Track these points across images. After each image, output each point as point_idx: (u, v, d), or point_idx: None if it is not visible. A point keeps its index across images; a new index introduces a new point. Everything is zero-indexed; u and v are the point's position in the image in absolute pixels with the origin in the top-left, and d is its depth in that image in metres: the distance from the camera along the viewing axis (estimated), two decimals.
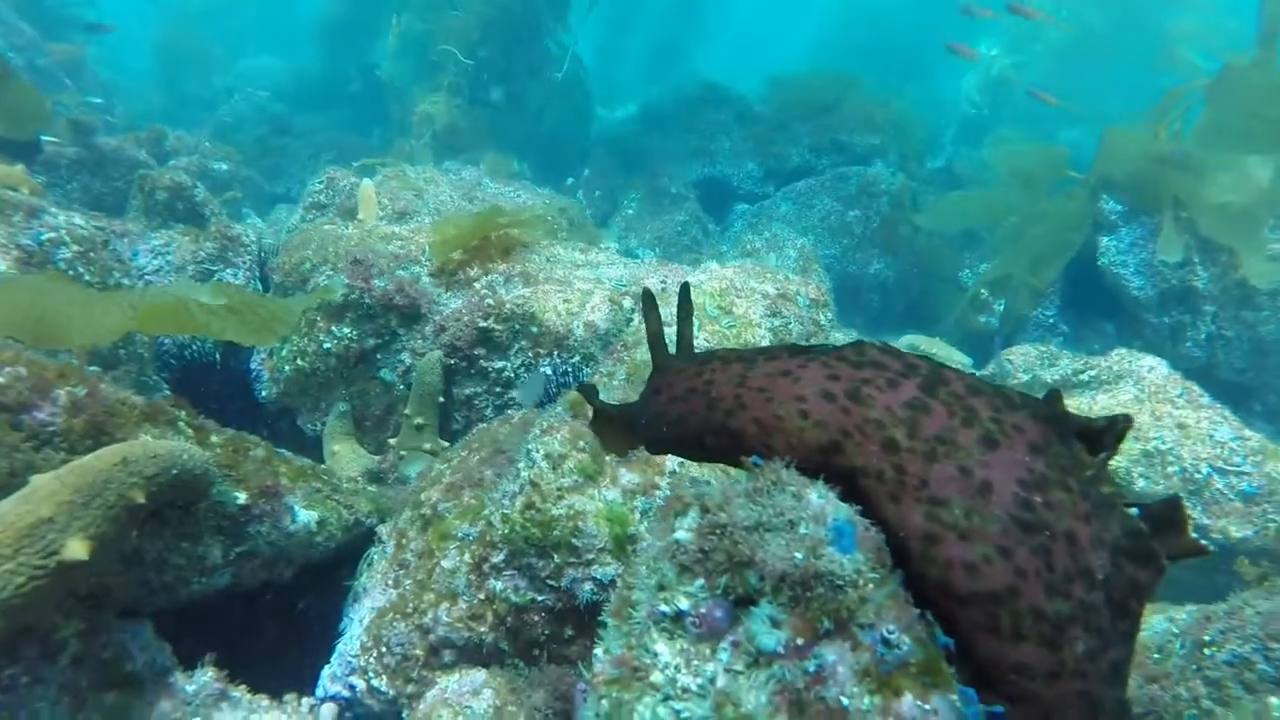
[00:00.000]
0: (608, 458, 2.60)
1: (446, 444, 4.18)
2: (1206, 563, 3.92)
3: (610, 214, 9.06)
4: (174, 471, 2.31)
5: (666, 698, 1.13)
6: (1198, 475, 4.09)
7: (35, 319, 2.58)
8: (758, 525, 1.14)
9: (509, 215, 4.81)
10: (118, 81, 12.17)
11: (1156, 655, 2.72)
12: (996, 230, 7.71)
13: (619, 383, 3.23)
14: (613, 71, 16.70)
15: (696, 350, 1.55)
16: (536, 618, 2.59)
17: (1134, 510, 1.21)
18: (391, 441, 4.27)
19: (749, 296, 3.77)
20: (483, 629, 2.65)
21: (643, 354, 3.30)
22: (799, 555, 1.10)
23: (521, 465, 2.74)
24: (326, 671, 2.91)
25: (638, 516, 2.51)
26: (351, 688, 2.80)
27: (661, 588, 1.21)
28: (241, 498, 2.71)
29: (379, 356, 4.41)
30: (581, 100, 10.83)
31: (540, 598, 2.58)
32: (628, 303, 4.19)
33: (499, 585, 2.64)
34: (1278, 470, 4.06)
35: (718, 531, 1.16)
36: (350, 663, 2.83)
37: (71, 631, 2.15)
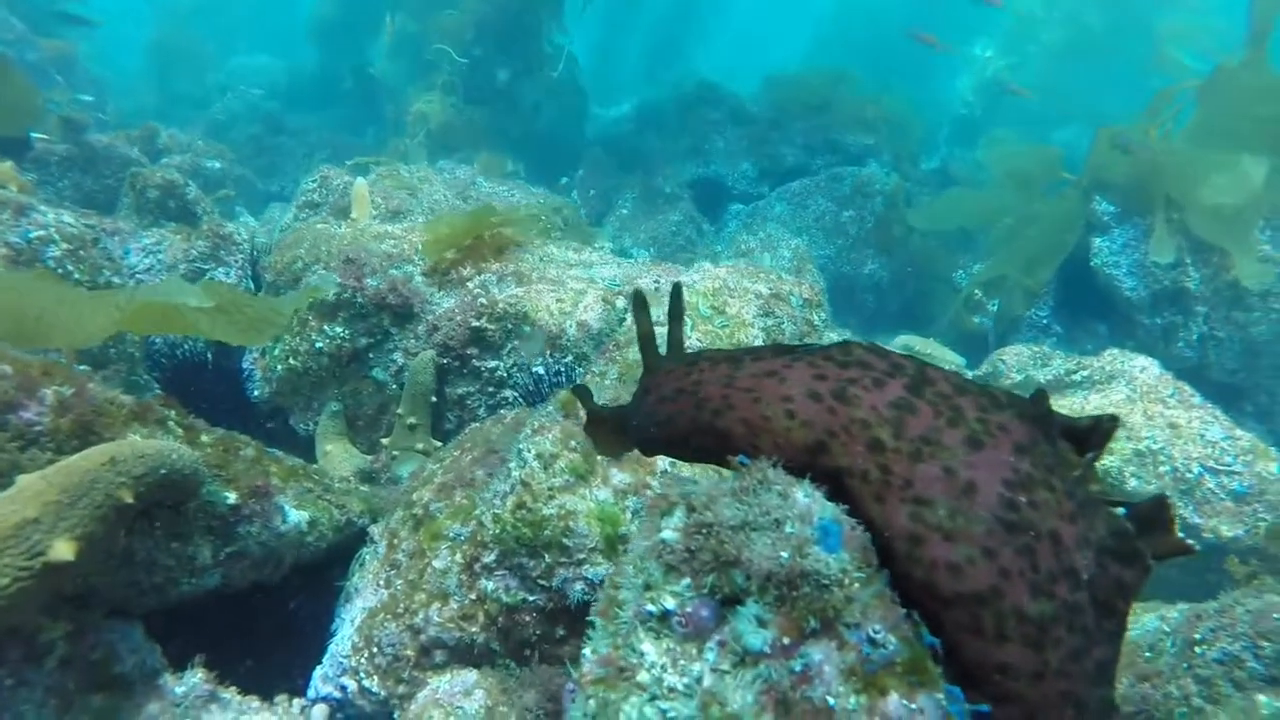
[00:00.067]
0: (599, 458, 2.60)
1: (439, 444, 4.17)
2: (1197, 562, 3.94)
3: (605, 213, 9.06)
4: (163, 471, 2.29)
5: (653, 697, 1.13)
6: (1189, 475, 4.11)
7: (20, 318, 2.56)
8: (744, 524, 1.14)
9: (502, 214, 4.80)
10: (110, 78, 12.11)
11: (1148, 654, 2.73)
12: (990, 231, 7.74)
13: (611, 382, 3.23)
14: (610, 71, 16.69)
15: (689, 350, 1.54)
16: (528, 618, 2.59)
17: (1120, 510, 1.21)
18: (384, 441, 4.26)
19: (742, 296, 3.77)
20: (474, 629, 2.64)
21: (635, 353, 3.29)
22: (785, 554, 1.10)
23: (513, 465, 2.73)
24: (318, 672, 2.90)
25: (629, 516, 2.51)
26: (343, 688, 2.79)
27: (648, 587, 1.20)
28: (231, 498, 2.69)
29: (371, 356, 4.40)
30: (576, 100, 10.82)
31: (531, 598, 2.58)
32: (621, 302, 4.19)
33: (490, 585, 2.63)
34: (1268, 470, 4.08)
35: (704, 531, 1.16)
36: (342, 663, 2.82)
37: (58, 633, 2.14)
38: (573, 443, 2.65)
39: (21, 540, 1.88)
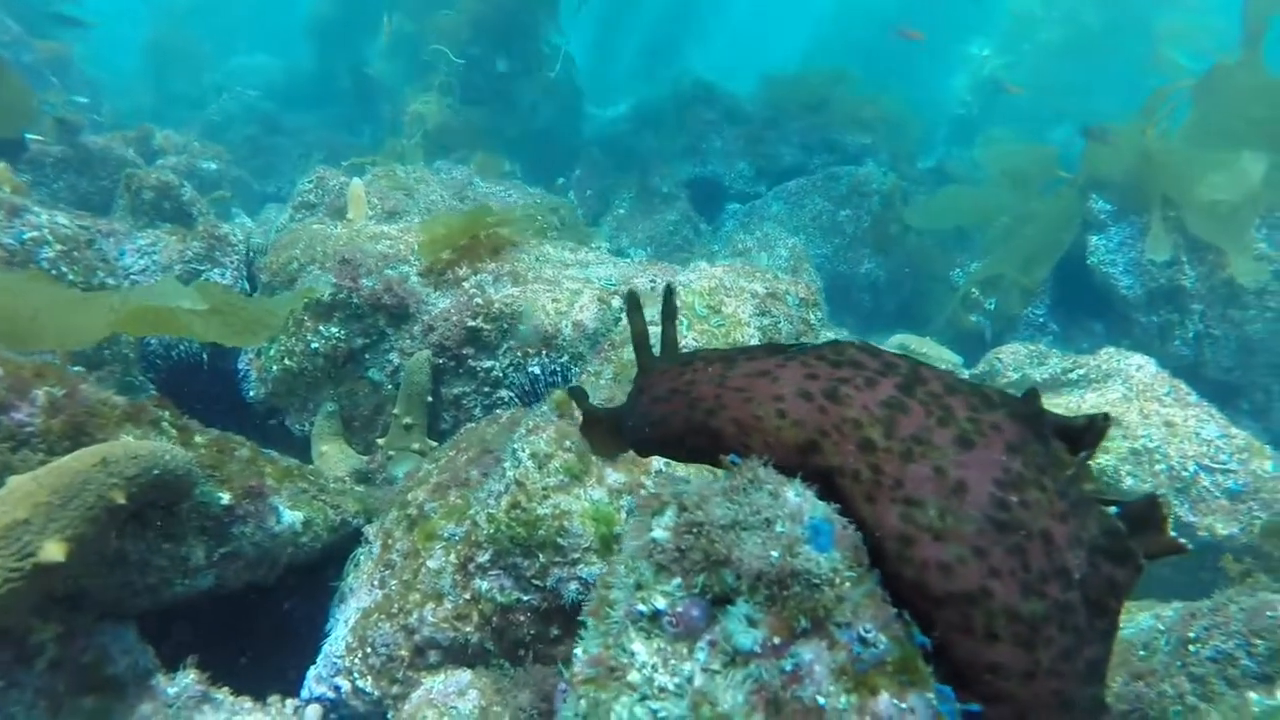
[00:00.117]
0: (594, 457, 2.59)
1: (435, 444, 4.16)
2: (1192, 560, 3.94)
3: (602, 213, 9.05)
4: (155, 472, 2.29)
5: (644, 697, 1.13)
6: (1184, 473, 4.11)
7: (13, 319, 2.55)
8: (734, 524, 1.14)
9: (498, 214, 4.80)
10: (106, 79, 12.08)
11: (1143, 652, 2.73)
12: (987, 230, 7.74)
13: (606, 381, 3.22)
14: (607, 71, 16.68)
15: (684, 350, 1.54)
16: (522, 617, 2.58)
17: (1113, 509, 1.21)
18: (380, 441, 4.25)
19: (738, 295, 3.76)
20: (468, 629, 2.64)
21: (630, 353, 3.29)
22: (775, 554, 1.09)
23: (507, 464, 2.73)
24: (312, 672, 2.89)
25: (623, 516, 2.50)
26: (337, 689, 2.79)
27: (639, 587, 1.20)
28: (225, 498, 2.69)
29: (367, 356, 4.39)
30: (573, 99, 10.82)
31: (525, 597, 2.57)
32: (617, 302, 4.18)
33: (484, 585, 2.62)
34: (1263, 468, 4.09)
35: (694, 530, 1.15)
36: (335, 663, 2.81)
37: (49, 635, 2.13)
38: (567, 442, 2.64)
39: (12, 541, 1.87)
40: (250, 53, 14.50)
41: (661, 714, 1.11)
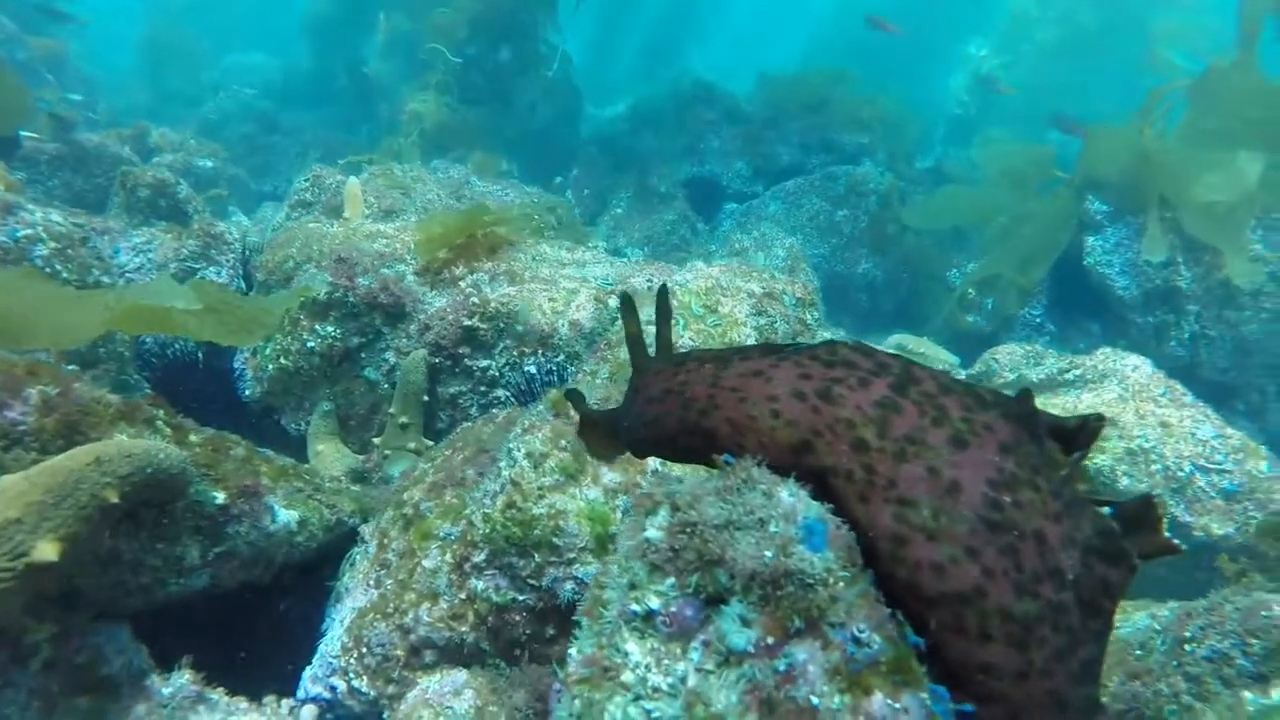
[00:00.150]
0: (589, 457, 2.59)
1: (431, 443, 4.16)
2: (1188, 560, 3.95)
3: (599, 213, 9.04)
4: (149, 471, 2.28)
5: (637, 697, 1.12)
6: (1180, 473, 4.12)
7: (6, 318, 2.54)
8: (728, 523, 1.13)
9: (495, 213, 4.79)
10: (103, 77, 12.04)
11: (1139, 651, 2.74)
12: (984, 230, 7.75)
13: (602, 381, 3.22)
14: (607, 70, 16.66)
15: (680, 350, 1.54)
16: (518, 617, 2.58)
17: (1107, 509, 1.21)
18: (376, 441, 4.24)
19: (734, 295, 3.76)
20: (464, 629, 2.63)
21: (627, 352, 3.28)
22: (769, 553, 1.09)
23: (503, 464, 2.72)
24: (307, 672, 2.89)
25: (619, 515, 2.50)
26: (332, 689, 2.78)
27: (632, 587, 1.20)
28: (220, 497, 2.68)
29: (363, 355, 4.38)
30: (571, 99, 10.81)
31: (521, 597, 2.57)
32: (613, 301, 4.18)
33: (480, 585, 2.62)
34: (1258, 468, 4.10)
35: (688, 530, 1.15)
36: (331, 663, 2.80)
37: (43, 635, 2.12)
38: (563, 442, 2.64)
39: (4, 541, 1.86)
40: (247, 51, 14.46)
41: (655, 714, 1.11)
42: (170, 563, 2.54)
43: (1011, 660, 1.01)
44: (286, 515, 2.91)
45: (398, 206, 5.56)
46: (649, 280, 4.28)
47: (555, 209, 6.98)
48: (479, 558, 2.63)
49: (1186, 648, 2.51)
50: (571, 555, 2.49)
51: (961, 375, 5.75)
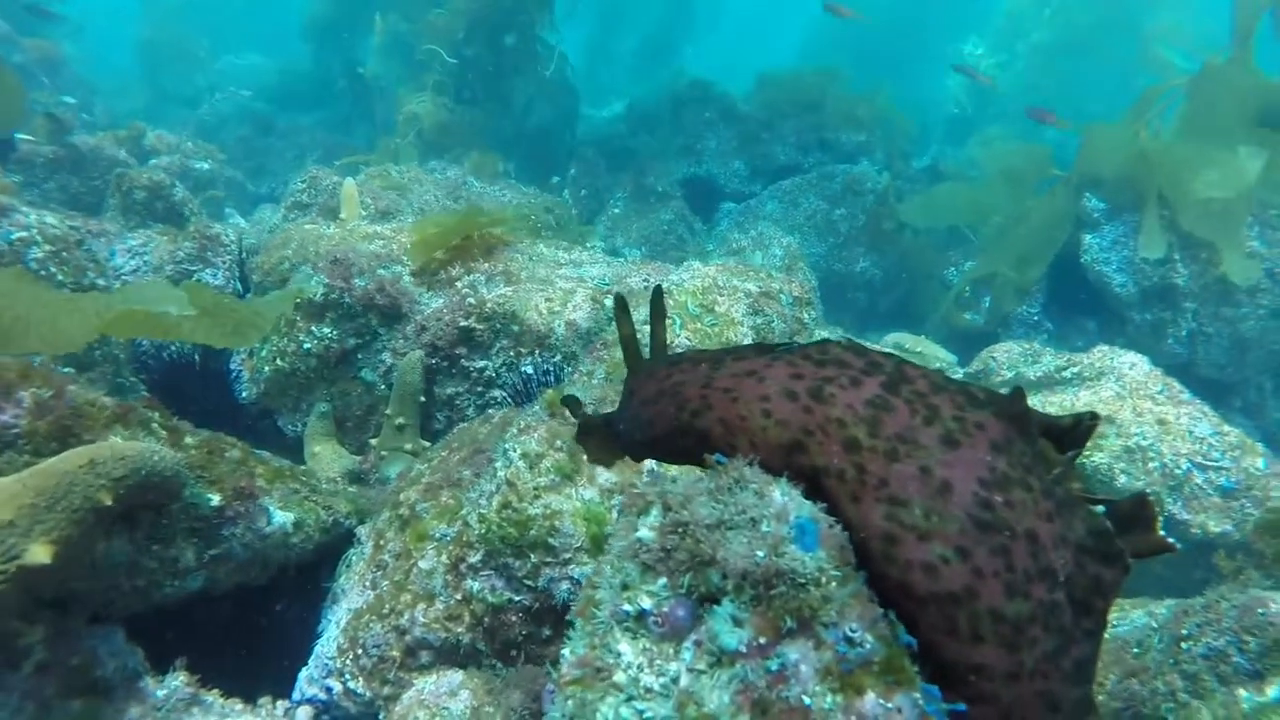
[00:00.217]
0: (585, 458, 2.58)
1: (428, 444, 4.15)
2: (1186, 557, 3.95)
3: (596, 213, 9.04)
4: (143, 473, 2.27)
5: (630, 698, 1.12)
6: (1177, 471, 4.12)
7: None
8: (720, 523, 1.13)
9: (491, 214, 4.79)
10: (99, 79, 12.02)
11: (1136, 649, 2.74)
12: (982, 228, 7.75)
13: (599, 381, 3.22)
14: (603, 71, 16.66)
15: (678, 350, 1.54)
16: (513, 618, 2.58)
17: (1101, 508, 1.20)
18: (373, 442, 4.24)
19: (731, 295, 3.76)
20: (460, 630, 2.63)
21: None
22: (761, 553, 1.09)
23: (499, 464, 2.72)
24: (303, 674, 2.88)
25: (615, 515, 2.50)
26: (328, 690, 2.78)
27: (625, 587, 1.19)
28: (215, 499, 2.67)
29: (360, 356, 4.37)
30: (568, 99, 10.79)
31: (517, 598, 2.56)
32: (610, 301, 4.18)
33: (476, 585, 2.61)
34: (1255, 465, 4.10)
35: (680, 530, 1.15)
36: (327, 665, 2.80)
37: (37, 638, 2.11)
38: (558, 442, 2.63)
39: None
40: (244, 53, 14.44)
41: (647, 714, 1.10)
42: (165, 565, 2.53)
43: (1003, 661, 1.00)
44: (282, 517, 2.90)
45: (394, 207, 5.56)
46: (646, 280, 4.28)
47: (552, 209, 6.98)
48: (475, 558, 2.63)
49: (1183, 645, 2.51)
50: (567, 556, 2.49)
51: (959, 373, 5.75)
